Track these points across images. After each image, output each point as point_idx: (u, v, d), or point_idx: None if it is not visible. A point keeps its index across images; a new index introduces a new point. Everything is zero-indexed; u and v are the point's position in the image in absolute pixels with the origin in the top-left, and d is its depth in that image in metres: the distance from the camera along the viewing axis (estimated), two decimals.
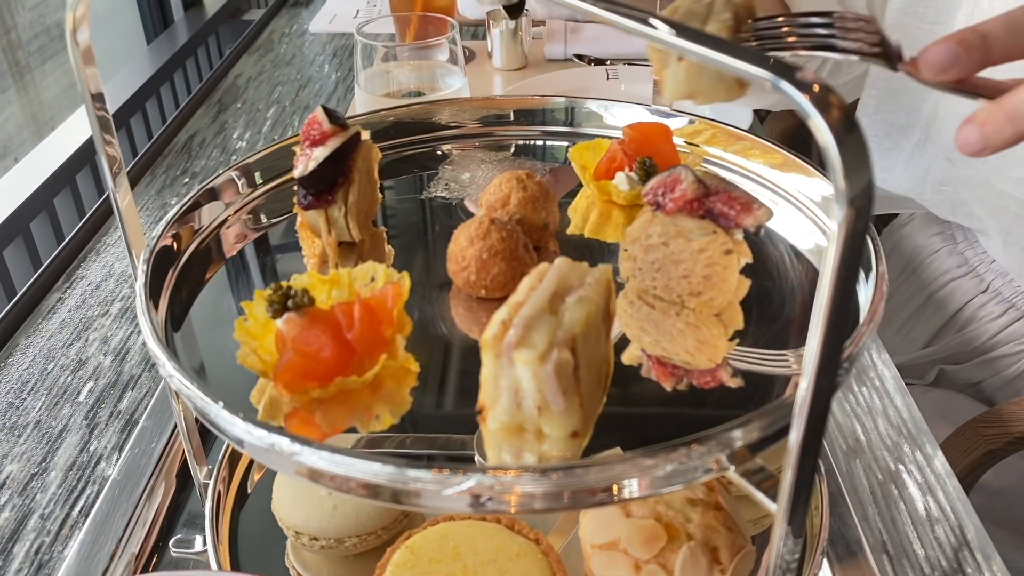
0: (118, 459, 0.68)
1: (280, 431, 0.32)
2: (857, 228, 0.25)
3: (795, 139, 1.74)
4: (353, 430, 0.37)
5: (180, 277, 0.46)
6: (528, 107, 0.57)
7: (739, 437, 0.32)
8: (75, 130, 1.25)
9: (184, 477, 0.64)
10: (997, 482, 0.93)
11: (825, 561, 0.58)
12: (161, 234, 0.46)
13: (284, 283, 0.39)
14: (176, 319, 0.45)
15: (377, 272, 0.41)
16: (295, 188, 0.47)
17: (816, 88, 0.25)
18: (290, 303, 0.38)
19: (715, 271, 0.41)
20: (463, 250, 0.43)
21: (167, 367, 0.36)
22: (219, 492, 0.55)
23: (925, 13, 0.94)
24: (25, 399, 0.75)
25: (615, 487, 0.31)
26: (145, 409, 0.72)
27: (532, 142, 0.58)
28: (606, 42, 1.39)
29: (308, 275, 0.41)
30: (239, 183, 0.51)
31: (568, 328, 0.35)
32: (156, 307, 0.43)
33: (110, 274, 0.92)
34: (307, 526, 0.48)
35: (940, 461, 0.67)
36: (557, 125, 0.57)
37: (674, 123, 0.56)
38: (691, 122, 0.56)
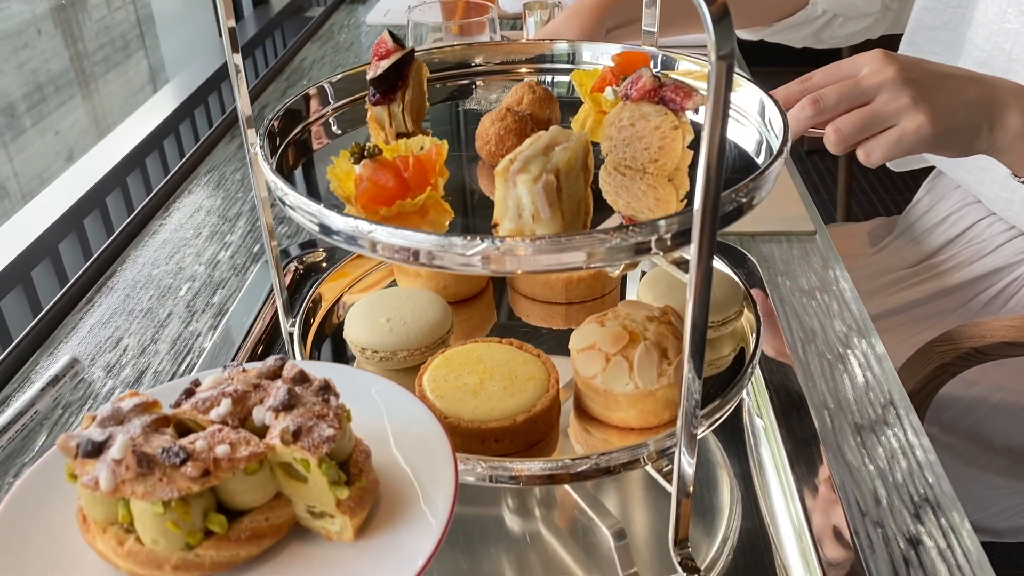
0: (213, 336, 0.85)
1: (359, 218, 0.48)
2: (724, 74, 0.41)
3: None
4: None
5: (283, 154, 0.63)
6: (541, 51, 0.74)
7: (663, 226, 0.47)
8: (159, 106, 1.44)
9: (271, 337, 0.81)
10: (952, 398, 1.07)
11: (774, 416, 0.72)
12: (274, 114, 0.63)
13: (360, 143, 0.55)
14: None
15: (425, 142, 0.58)
16: (368, 94, 0.64)
17: None
18: (365, 153, 0.54)
19: (666, 143, 0.57)
20: (486, 130, 0.59)
21: (283, 188, 0.52)
22: (301, 337, 0.72)
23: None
24: (138, 293, 0.93)
25: (577, 253, 0.47)
26: (233, 303, 0.90)
27: (544, 77, 0.74)
28: None
29: (376, 143, 0.58)
30: (329, 93, 0.68)
31: (555, 163, 0.51)
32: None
33: (200, 208, 1.10)
34: (371, 343, 0.64)
35: (881, 349, 0.81)
36: (563, 63, 0.74)
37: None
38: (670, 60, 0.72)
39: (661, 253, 0.49)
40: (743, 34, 1.37)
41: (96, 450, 0.44)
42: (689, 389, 0.50)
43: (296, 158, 0.64)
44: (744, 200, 0.51)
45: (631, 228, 0.47)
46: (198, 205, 1.11)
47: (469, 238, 0.47)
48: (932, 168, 1.31)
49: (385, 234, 0.48)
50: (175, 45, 2.13)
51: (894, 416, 0.73)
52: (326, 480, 0.45)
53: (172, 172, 1.20)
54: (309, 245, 0.94)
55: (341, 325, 0.70)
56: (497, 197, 0.52)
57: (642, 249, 0.48)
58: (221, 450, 0.44)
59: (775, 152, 0.55)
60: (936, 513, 0.64)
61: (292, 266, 0.90)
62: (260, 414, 0.47)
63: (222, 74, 1.61)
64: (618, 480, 0.70)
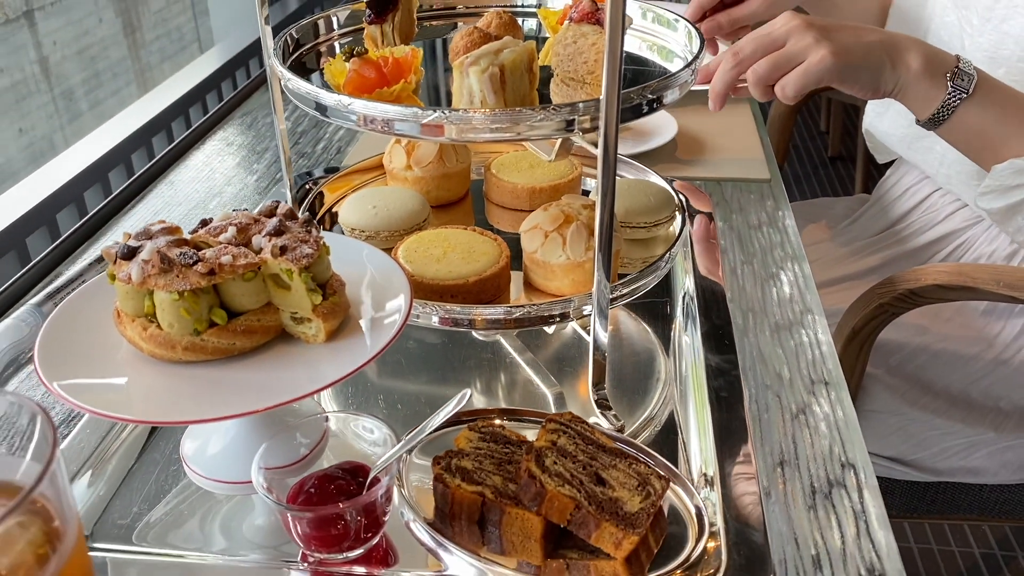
0: None
1: (341, 94, 0.62)
2: None
3: None
4: None
5: (294, 63, 0.77)
6: None
7: (581, 109, 0.60)
8: (204, 64, 1.60)
9: None
10: (893, 342, 1.17)
11: (698, 313, 0.84)
12: (286, 31, 0.76)
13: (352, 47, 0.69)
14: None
15: (405, 50, 0.71)
16: (364, 15, 0.77)
17: None
18: (354, 53, 0.68)
19: (600, 57, 0.69)
20: (456, 44, 0.73)
21: (287, 75, 0.66)
22: None
23: None
24: (173, 205, 1.08)
25: (513, 125, 0.59)
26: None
27: (522, 20, 0.88)
28: None
29: (367, 49, 0.71)
30: (334, 21, 0.82)
31: (500, 60, 0.64)
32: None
33: (232, 143, 1.25)
34: (358, 223, 0.78)
35: (808, 270, 0.93)
36: (533, 6, 0.88)
37: None
38: None
39: (581, 133, 0.62)
40: None
41: (130, 254, 0.58)
42: (602, 255, 0.62)
43: (305, 67, 0.78)
44: (652, 96, 0.64)
45: (554, 107, 0.60)
46: (231, 140, 1.26)
47: (424, 109, 0.60)
48: None
49: (360, 106, 0.61)
50: (223, 18, 2.29)
51: (810, 320, 0.85)
52: (304, 288, 0.58)
53: (210, 113, 1.34)
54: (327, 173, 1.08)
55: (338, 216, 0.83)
56: (455, 87, 0.65)
57: (565, 127, 0.61)
58: (225, 259, 0.57)
59: (687, 63, 0.67)
60: (827, 389, 0.76)
61: (307, 186, 1.04)
62: (257, 240, 0.60)
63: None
64: (566, 356, 0.82)
